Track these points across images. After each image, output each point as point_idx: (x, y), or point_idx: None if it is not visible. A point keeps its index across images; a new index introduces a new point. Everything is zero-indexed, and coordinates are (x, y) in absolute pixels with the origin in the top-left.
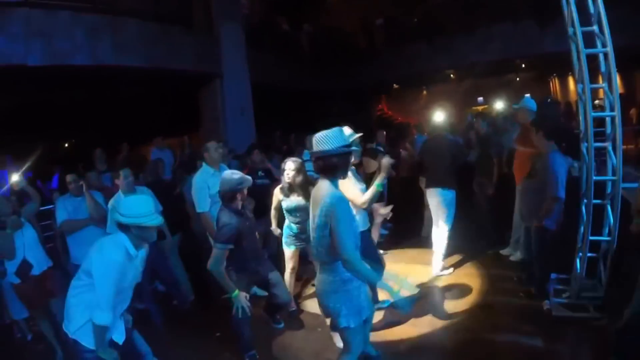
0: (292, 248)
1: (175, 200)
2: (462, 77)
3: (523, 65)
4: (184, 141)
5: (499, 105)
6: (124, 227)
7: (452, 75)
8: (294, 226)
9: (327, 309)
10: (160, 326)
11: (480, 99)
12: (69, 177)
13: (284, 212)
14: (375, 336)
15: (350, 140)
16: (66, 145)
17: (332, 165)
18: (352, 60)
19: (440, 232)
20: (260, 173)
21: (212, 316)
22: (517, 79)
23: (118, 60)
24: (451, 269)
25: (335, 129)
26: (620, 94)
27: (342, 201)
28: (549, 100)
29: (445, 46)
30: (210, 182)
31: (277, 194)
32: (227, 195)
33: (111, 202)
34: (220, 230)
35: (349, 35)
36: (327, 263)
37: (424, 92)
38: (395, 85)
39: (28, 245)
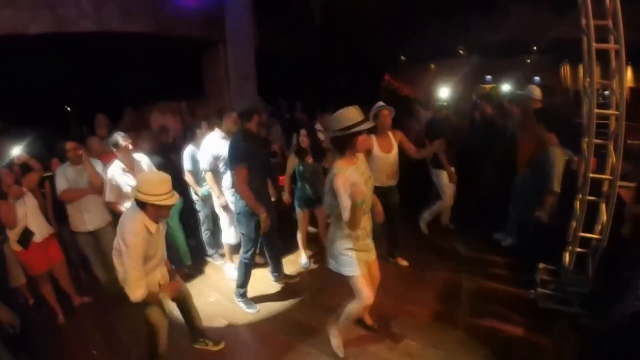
0: (305, 210)
1: (176, 167)
2: (472, 54)
3: (535, 48)
4: (181, 107)
5: (506, 86)
6: (140, 204)
7: (461, 52)
8: (307, 188)
9: (332, 255)
10: None
11: (489, 77)
12: (68, 145)
13: (298, 176)
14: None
15: (356, 121)
16: (69, 110)
17: (337, 144)
18: (362, 31)
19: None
20: None
21: (208, 280)
22: (528, 61)
23: (123, 26)
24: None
25: (344, 110)
26: (632, 88)
27: (337, 174)
28: (552, 89)
29: (459, 23)
30: (217, 145)
31: (292, 160)
32: (245, 114)
33: (109, 170)
34: (231, 154)
35: (359, 4)
36: (334, 219)
37: (432, 66)
38: (402, 58)
39: (30, 214)
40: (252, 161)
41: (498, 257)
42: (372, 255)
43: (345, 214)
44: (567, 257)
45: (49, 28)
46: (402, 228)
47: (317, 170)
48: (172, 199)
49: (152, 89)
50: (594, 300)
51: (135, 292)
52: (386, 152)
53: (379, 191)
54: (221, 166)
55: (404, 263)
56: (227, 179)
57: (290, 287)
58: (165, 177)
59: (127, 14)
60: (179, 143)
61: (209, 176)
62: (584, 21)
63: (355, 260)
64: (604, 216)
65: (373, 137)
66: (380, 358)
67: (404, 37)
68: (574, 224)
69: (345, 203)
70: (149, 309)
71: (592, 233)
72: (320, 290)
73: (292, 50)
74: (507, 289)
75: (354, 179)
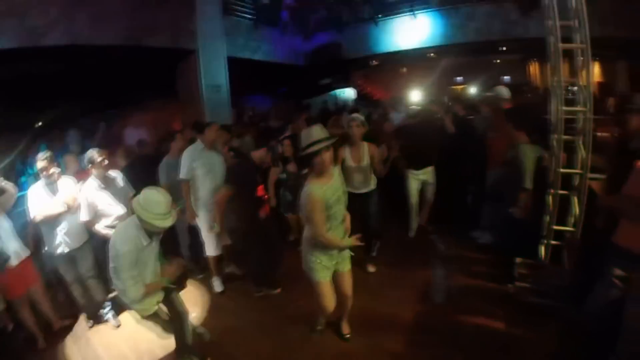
0: (290, 214)
1: (152, 181)
2: (442, 56)
3: (504, 48)
4: (155, 119)
5: (475, 87)
6: (139, 218)
7: (432, 54)
8: (287, 195)
9: (304, 256)
10: None
11: (460, 78)
12: (40, 163)
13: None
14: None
15: (315, 140)
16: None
17: (303, 164)
18: (333, 35)
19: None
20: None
21: (188, 295)
22: (497, 60)
23: (95, 38)
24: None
25: (308, 129)
26: (600, 83)
27: (307, 193)
28: (521, 88)
29: (427, 24)
30: (197, 156)
31: (274, 170)
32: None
33: (84, 186)
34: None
35: (330, 8)
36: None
37: (403, 69)
38: (374, 62)
39: (4, 236)
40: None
41: (476, 255)
42: (344, 267)
43: (314, 230)
44: (542, 250)
45: (17, 42)
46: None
47: (300, 177)
48: (168, 220)
49: (125, 101)
50: (571, 291)
51: (136, 293)
52: (357, 162)
53: (354, 198)
54: (200, 177)
55: (372, 269)
56: (203, 191)
57: (271, 300)
58: (166, 199)
59: (99, 25)
60: (154, 156)
61: (185, 186)
62: (549, 22)
63: (319, 267)
64: (576, 209)
65: (346, 148)
66: (365, 358)
67: (374, 39)
68: (547, 218)
69: (316, 219)
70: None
71: (565, 226)
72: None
73: (263, 56)
74: (487, 285)
75: (324, 196)
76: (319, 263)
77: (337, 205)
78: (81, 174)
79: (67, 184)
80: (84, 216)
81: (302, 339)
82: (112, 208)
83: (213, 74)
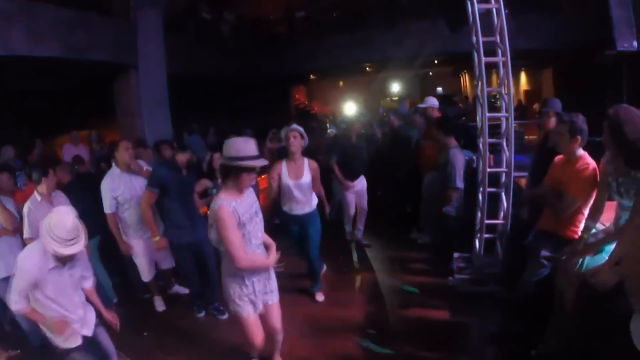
0: None
1: (92, 200)
2: (378, 70)
3: (436, 62)
4: (91, 136)
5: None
6: (46, 240)
7: (368, 68)
8: None
9: (225, 292)
10: None
11: (394, 91)
12: None
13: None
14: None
15: (247, 155)
16: None
17: (223, 172)
18: (273, 51)
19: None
20: None
21: (137, 316)
22: (430, 73)
23: (32, 50)
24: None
25: (239, 139)
26: (527, 91)
27: (216, 208)
28: (451, 98)
29: (364, 40)
30: (116, 184)
31: (202, 182)
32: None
33: (27, 205)
34: (150, 175)
35: (270, 25)
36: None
37: (341, 83)
38: (312, 76)
39: None
40: (165, 187)
41: (416, 254)
42: (271, 298)
43: (231, 253)
44: (477, 243)
45: None
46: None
47: None
48: (69, 249)
49: (61, 117)
50: (506, 276)
51: (15, 306)
52: (295, 178)
53: (293, 220)
54: (125, 205)
55: (321, 298)
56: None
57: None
58: (74, 226)
59: (36, 38)
60: (93, 173)
61: (111, 219)
62: (474, 38)
63: (243, 301)
64: (505, 203)
65: (283, 162)
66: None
67: (312, 54)
68: (479, 213)
69: (231, 238)
70: None
71: (496, 219)
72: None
73: (203, 71)
74: (429, 280)
75: (235, 212)
76: (243, 296)
77: (251, 224)
78: (20, 193)
79: (4, 206)
80: (27, 233)
81: None
82: None
83: (153, 90)
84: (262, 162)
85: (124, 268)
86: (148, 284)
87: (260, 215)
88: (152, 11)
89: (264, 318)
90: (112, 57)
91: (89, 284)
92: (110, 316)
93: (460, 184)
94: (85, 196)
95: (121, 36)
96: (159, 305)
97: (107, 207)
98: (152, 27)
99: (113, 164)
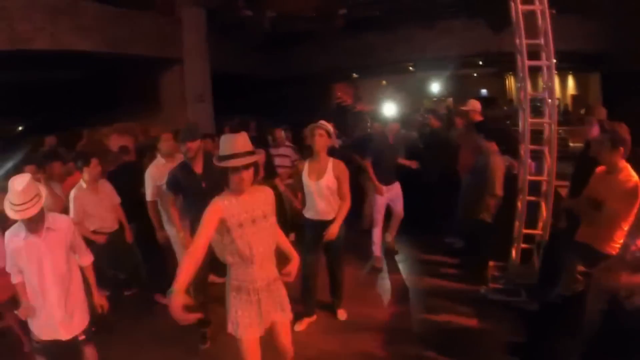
0: None
1: (130, 188)
2: (421, 70)
3: (481, 62)
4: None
5: (452, 99)
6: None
7: (410, 68)
8: None
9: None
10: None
11: (436, 91)
12: (26, 169)
13: None
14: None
15: (230, 152)
16: (20, 129)
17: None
18: (313, 47)
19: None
20: None
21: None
22: (474, 74)
23: (79, 44)
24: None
25: (227, 136)
26: (574, 96)
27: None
28: (495, 101)
29: (405, 39)
30: (160, 173)
31: None
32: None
33: (73, 192)
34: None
35: (310, 22)
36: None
37: (384, 82)
38: (354, 75)
39: None
40: (181, 189)
41: (450, 259)
42: (279, 316)
43: (222, 255)
44: (513, 252)
45: (3, 45)
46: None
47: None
48: (18, 214)
49: (108, 109)
50: (539, 288)
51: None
52: (315, 179)
53: (315, 225)
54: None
55: (343, 317)
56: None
57: None
58: (24, 191)
59: (82, 32)
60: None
61: (151, 207)
62: (517, 41)
63: (242, 319)
64: (544, 213)
65: (306, 162)
66: (341, 357)
67: (353, 52)
68: (517, 222)
69: (197, 232)
70: None
71: (534, 229)
72: None
73: (246, 68)
74: (460, 287)
75: (225, 211)
76: (244, 315)
77: (248, 229)
78: (69, 180)
79: (54, 191)
80: (74, 218)
81: None
82: (98, 212)
83: (197, 84)
84: (248, 159)
85: (157, 255)
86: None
87: (271, 221)
88: (195, 7)
89: (273, 338)
90: (157, 52)
91: (86, 261)
92: (99, 300)
93: (500, 191)
94: (128, 184)
95: (166, 31)
96: None
97: (149, 195)
98: (196, 22)
99: (157, 155)
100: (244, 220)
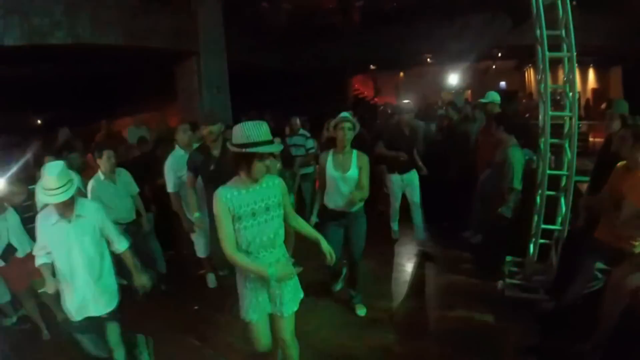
0: None
1: (148, 178)
2: (439, 62)
3: (500, 54)
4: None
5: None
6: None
7: (428, 59)
8: None
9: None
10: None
11: (454, 84)
12: (47, 159)
13: None
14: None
15: (259, 140)
16: (39, 122)
17: (233, 161)
18: (330, 40)
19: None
20: None
21: (188, 290)
22: (494, 66)
23: (97, 37)
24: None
25: (248, 124)
26: (595, 89)
27: (214, 196)
28: (515, 94)
29: (423, 31)
30: (180, 164)
31: None
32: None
33: (91, 183)
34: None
35: (328, 14)
36: None
37: (401, 74)
38: (372, 66)
39: (12, 229)
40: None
41: (467, 254)
42: (280, 310)
43: (222, 246)
44: (532, 248)
45: (22, 40)
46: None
47: (284, 176)
48: (52, 198)
49: (125, 100)
50: (557, 286)
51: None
52: (342, 171)
53: (338, 217)
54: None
55: (363, 312)
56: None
57: None
58: (56, 177)
59: (101, 26)
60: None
61: (172, 197)
62: (538, 32)
63: (250, 302)
64: (563, 208)
65: (329, 153)
66: (360, 352)
67: (370, 45)
68: (536, 217)
69: (220, 232)
70: None
71: (553, 225)
72: None
73: (262, 60)
74: (477, 282)
75: (230, 203)
76: (247, 300)
77: (254, 220)
78: (88, 171)
79: None
80: None
81: None
82: (115, 203)
83: (214, 75)
84: (276, 148)
85: (176, 244)
86: (202, 260)
87: (279, 212)
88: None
89: (273, 329)
90: (173, 44)
91: (121, 246)
92: (141, 281)
93: (518, 184)
94: (146, 174)
95: (181, 24)
96: (211, 282)
97: (170, 187)
98: (212, 14)
99: (176, 146)
100: (247, 212)
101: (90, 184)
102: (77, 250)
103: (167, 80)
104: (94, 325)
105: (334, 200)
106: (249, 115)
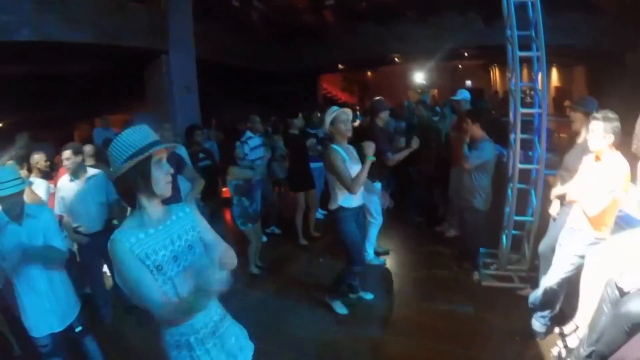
0: (250, 227)
1: None
2: (407, 61)
3: (466, 54)
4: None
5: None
6: None
7: (397, 59)
8: (244, 201)
9: None
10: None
11: (422, 83)
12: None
13: (234, 190)
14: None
15: (142, 144)
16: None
17: (121, 188)
18: (302, 39)
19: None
20: (201, 155)
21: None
22: (460, 66)
23: (65, 35)
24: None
25: (122, 135)
26: (558, 88)
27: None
28: (482, 92)
29: (394, 31)
30: None
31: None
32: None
33: (58, 185)
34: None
35: (299, 13)
36: None
37: (369, 73)
38: (340, 66)
39: None
40: None
41: (442, 248)
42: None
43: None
44: (504, 239)
45: None
46: None
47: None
48: (7, 190)
49: (94, 101)
50: (531, 274)
51: None
52: (357, 163)
53: (358, 212)
54: None
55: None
56: None
57: None
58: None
59: (69, 23)
60: None
61: None
62: (509, 32)
63: None
64: (534, 200)
65: (338, 148)
66: (346, 349)
67: (342, 44)
68: (508, 209)
69: (140, 292)
70: None
71: (525, 216)
72: None
73: (233, 59)
74: (454, 275)
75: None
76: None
77: (180, 264)
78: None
79: (30, 188)
80: (57, 210)
81: None
82: (81, 209)
83: (183, 75)
84: (170, 145)
85: None
86: None
87: (202, 246)
88: None
89: None
90: (144, 43)
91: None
92: None
93: (480, 157)
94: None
95: (152, 22)
96: None
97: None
98: (183, 12)
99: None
100: (163, 260)
101: (58, 186)
102: (34, 268)
103: (138, 80)
104: (60, 342)
105: (353, 197)
106: (221, 118)
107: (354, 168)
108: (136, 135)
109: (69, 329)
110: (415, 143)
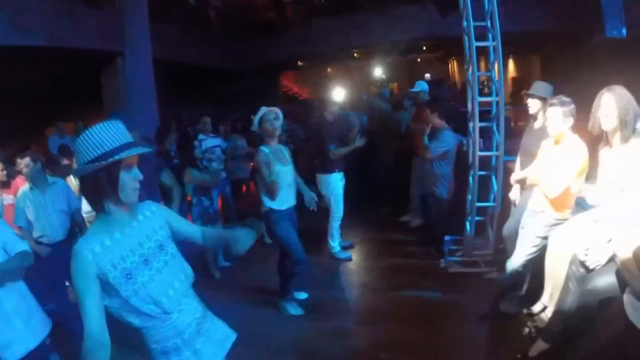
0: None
1: None
2: (367, 56)
3: (425, 48)
4: (78, 126)
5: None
6: None
7: (356, 54)
8: (204, 200)
9: None
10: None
11: (382, 77)
12: None
13: (192, 191)
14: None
15: (114, 145)
16: None
17: (87, 187)
18: (261, 37)
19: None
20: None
21: None
22: (419, 60)
23: (17, 39)
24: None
25: (93, 129)
26: (514, 77)
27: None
28: (442, 81)
29: (353, 24)
30: None
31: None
32: None
33: (18, 195)
34: None
35: (258, 10)
36: None
37: (329, 69)
38: (300, 62)
39: None
40: None
41: (407, 237)
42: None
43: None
44: (468, 225)
45: None
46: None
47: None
48: None
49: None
50: (497, 257)
51: None
52: (285, 164)
53: (288, 215)
54: None
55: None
56: None
57: None
58: None
59: (21, 27)
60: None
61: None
62: (465, 22)
63: None
64: (495, 186)
65: (265, 149)
66: (319, 344)
67: (301, 40)
68: (470, 196)
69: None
70: None
71: (487, 202)
72: None
73: (190, 58)
74: (421, 264)
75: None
76: None
77: (148, 272)
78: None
79: None
80: (17, 221)
81: None
82: (42, 218)
83: (140, 78)
84: (144, 149)
85: None
86: None
87: (173, 245)
88: None
89: None
90: (99, 45)
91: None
92: None
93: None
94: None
95: (107, 24)
96: None
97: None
98: (138, 13)
99: None
100: (133, 265)
101: (17, 196)
102: None
103: (94, 85)
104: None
105: (284, 197)
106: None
107: (283, 170)
108: (108, 134)
109: (41, 344)
110: (359, 141)
